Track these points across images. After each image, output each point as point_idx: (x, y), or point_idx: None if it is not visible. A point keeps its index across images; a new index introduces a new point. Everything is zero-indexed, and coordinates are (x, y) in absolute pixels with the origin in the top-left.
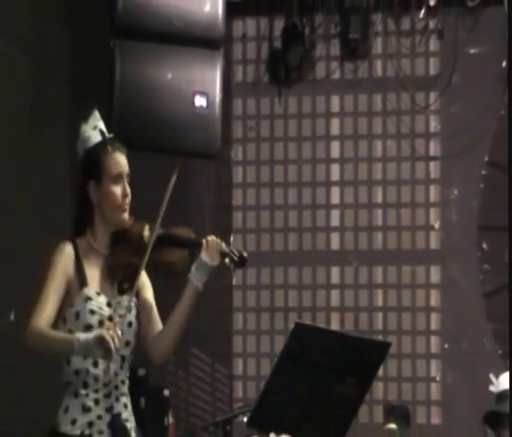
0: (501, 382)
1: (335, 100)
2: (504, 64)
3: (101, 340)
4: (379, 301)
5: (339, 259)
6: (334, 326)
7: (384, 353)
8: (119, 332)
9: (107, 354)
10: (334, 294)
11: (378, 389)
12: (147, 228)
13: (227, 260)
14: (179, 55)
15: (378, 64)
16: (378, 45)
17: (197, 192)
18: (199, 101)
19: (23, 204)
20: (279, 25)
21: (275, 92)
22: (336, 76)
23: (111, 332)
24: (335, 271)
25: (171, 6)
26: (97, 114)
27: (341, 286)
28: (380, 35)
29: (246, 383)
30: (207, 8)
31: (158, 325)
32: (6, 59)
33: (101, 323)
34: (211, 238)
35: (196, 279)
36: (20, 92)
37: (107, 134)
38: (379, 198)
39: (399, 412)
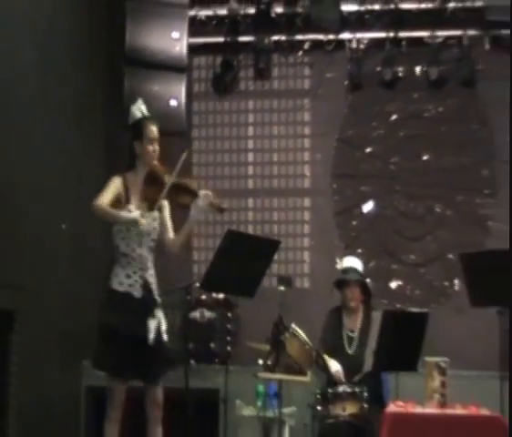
0: (343, 262)
1: (251, 103)
2: (346, 83)
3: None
4: (275, 217)
5: (255, 195)
6: (250, 231)
7: (277, 247)
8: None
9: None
10: (250, 214)
11: (274, 267)
12: (167, 176)
13: (212, 208)
14: (162, 75)
15: (276, 82)
16: (276, 71)
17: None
18: (173, 102)
19: (62, 168)
20: (219, 59)
21: (217, 98)
22: (252, 89)
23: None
24: (251, 201)
25: (157, 47)
26: (140, 100)
27: (254, 209)
28: (277, 65)
29: (200, 265)
30: (177, 49)
31: (171, 233)
32: (64, 75)
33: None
34: (205, 192)
35: (194, 217)
36: (73, 96)
37: (146, 113)
38: (276, 159)
39: (286, 280)
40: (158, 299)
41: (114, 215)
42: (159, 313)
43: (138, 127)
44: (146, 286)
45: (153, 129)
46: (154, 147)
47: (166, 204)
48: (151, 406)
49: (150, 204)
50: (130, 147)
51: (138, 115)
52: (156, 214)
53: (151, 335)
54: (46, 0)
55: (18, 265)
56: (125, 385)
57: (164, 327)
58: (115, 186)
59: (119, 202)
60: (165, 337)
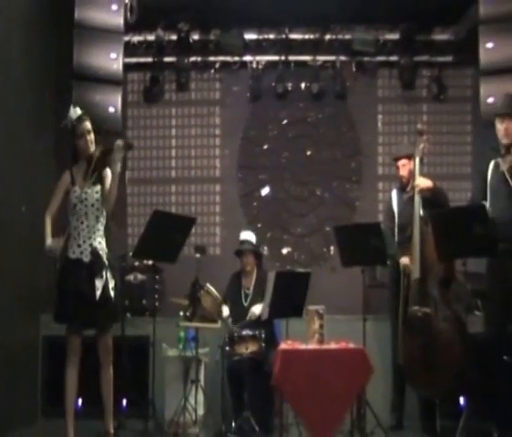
0: (240, 236)
1: (174, 110)
2: (248, 95)
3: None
4: (193, 200)
5: (177, 182)
6: (173, 211)
7: (194, 223)
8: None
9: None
10: (173, 198)
11: (191, 239)
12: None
13: (124, 149)
14: (102, 88)
15: (193, 93)
16: (193, 85)
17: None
18: (112, 109)
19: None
20: (148, 75)
21: (147, 106)
22: (174, 99)
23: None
24: (173, 187)
25: (99, 65)
26: (73, 108)
27: (176, 193)
28: (194, 80)
29: (133, 238)
30: (115, 66)
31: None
32: (22, 89)
33: (81, 201)
34: (116, 142)
35: (114, 164)
36: (27, 105)
37: (76, 115)
38: (193, 154)
39: (201, 249)
40: (106, 262)
41: (45, 235)
42: (107, 274)
43: (71, 128)
44: (94, 252)
45: (83, 125)
46: (86, 139)
47: (108, 174)
48: (103, 352)
49: (91, 179)
50: (73, 146)
51: (71, 117)
52: (98, 187)
53: (98, 292)
54: (2, 28)
55: None
56: (80, 335)
57: (111, 285)
58: (63, 182)
59: (67, 192)
60: (111, 293)
